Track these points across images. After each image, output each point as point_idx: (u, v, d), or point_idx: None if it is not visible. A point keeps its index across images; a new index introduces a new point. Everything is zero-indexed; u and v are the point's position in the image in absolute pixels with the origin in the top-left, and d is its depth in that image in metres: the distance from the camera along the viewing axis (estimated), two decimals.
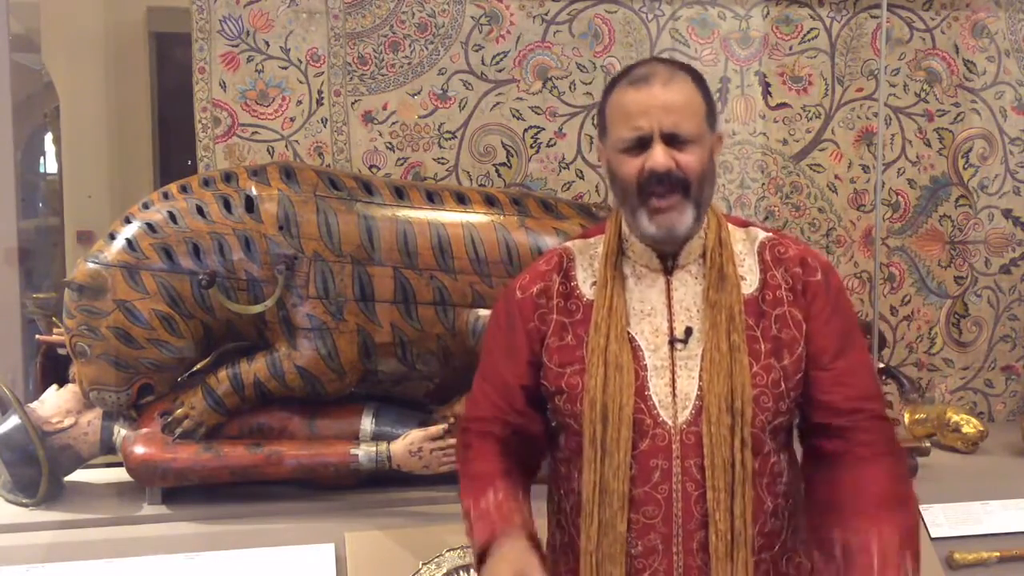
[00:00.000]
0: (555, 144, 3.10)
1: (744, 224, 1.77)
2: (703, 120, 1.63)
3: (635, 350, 1.64)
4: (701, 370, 1.62)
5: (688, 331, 1.64)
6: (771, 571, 1.65)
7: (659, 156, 1.59)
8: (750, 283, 1.68)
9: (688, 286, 1.68)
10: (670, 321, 1.66)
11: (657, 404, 1.62)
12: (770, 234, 1.74)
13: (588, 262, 1.73)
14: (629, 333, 1.65)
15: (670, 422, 1.62)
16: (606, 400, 1.61)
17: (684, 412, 1.62)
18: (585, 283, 1.71)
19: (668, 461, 1.61)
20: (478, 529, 1.65)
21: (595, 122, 3.07)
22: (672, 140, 1.60)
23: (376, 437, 2.52)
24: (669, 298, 1.67)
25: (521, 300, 1.73)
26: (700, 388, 1.62)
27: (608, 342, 1.63)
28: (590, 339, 1.65)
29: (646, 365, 1.64)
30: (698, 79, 1.66)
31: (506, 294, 1.79)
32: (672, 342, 1.65)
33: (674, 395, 1.62)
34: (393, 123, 3.00)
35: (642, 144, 1.61)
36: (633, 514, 1.62)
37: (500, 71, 3.05)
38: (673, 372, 1.63)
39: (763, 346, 1.64)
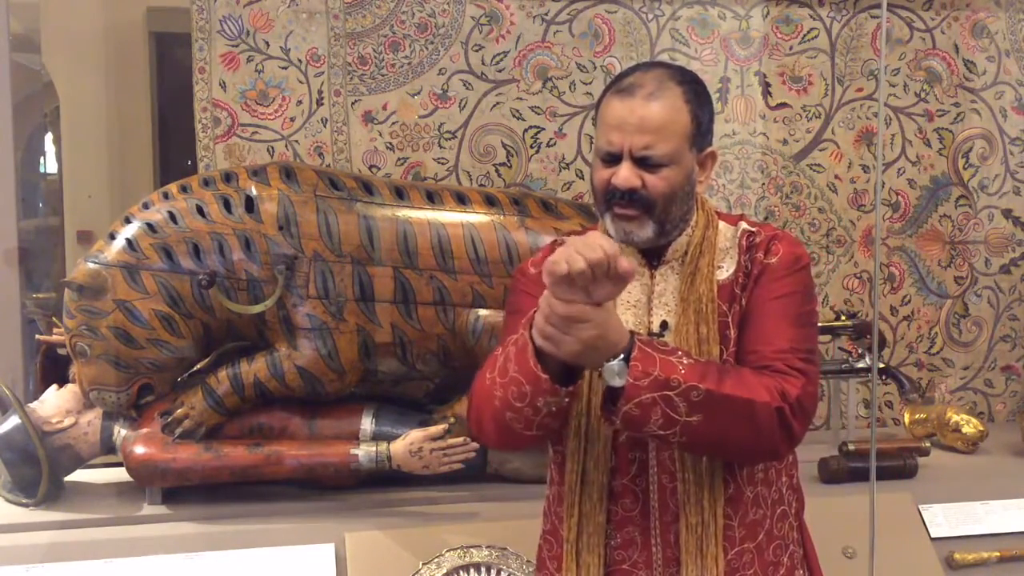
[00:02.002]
0: (555, 144, 3.10)
1: (736, 220, 1.78)
2: (683, 141, 1.63)
3: None
4: None
5: (664, 325, 1.68)
6: (755, 560, 1.66)
7: (623, 175, 1.61)
8: (727, 269, 1.70)
9: (668, 281, 1.70)
10: (649, 315, 1.69)
11: None
12: (750, 225, 1.75)
13: None
14: None
15: None
16: (590, 394, 1.65)
17: None
18: None
19: (645, 454, 1.65)
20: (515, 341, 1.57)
21: (595, 122, 3.08)
22: (643, 161, 1.61)
23: (376, 437, 2.52)
24: (651, 292, 1.70)
25: (535, 275, 1.72)
26: None
27: None
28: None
29: None
30: (692, 93, 1.65)
31: (518, 273, 1.82)
32: (650, 335, 1.67)
33: None
34: (393, 123, 3.00)
35: (613, 158, 1.63)
36: (612, 506, 1.66)
37: (500, 71, 3.05)
38: None
39: (733, 332, 1.66)
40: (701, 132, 1.66)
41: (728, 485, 1.64)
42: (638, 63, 1.82)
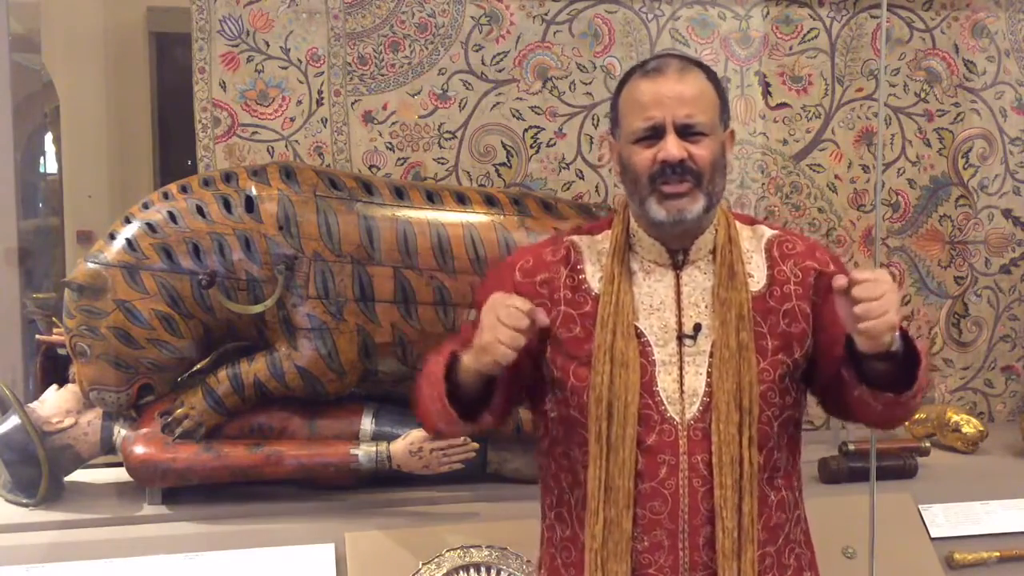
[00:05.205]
0: (555, 144, 3.10)
1: (751, 222, 1.78)
2: (716, 114, 1.66)
3: (643, 345, 1.64)
4: (710, 367, 1.63)
5: (697, 327, 1.65)
6: (775, 564, 1.66)
7: (672, 146, 1.60)
8: (757, 280, 1.69)
9: (697, 282, 1.68)
10: (679, 316, 1.66)
11: (664, 400, 1.63)
12: (776, 231, 1.75)
13: (596, 257, 1.72)
14: (637, 328, 1.65)
15: (677, 418, 1.63)
16: (611, 397, 1.62)
17: (691, 408, 1.63)
18: (593, 277, 1.70)
19: (675, 456, 1.62)
20: (432, 365, 1.66)
21: (595, 122, 3.08)
22: (685, 131, 1.61)
23: (376, 437, 2.52)
24: (678, 293, 1.67)
25: (520, 283, 1.71)
26: (708, 384, 1.63)
27: (615, 338, 1.63)
28: (596, 335, 1.64)
29: (655, 360, 1.64)
30: (711, 75, 1.68)
31: (500, 273, 1.76)
32: (680, 338, 1.65)
33: (681, 391, 1.63)
34: (393, 123, 3.00)
35: (655, 134, 1.62)
36: (639, 509, 1.62)
37: (500, 71, 3.05)
38: (681, 368, 1.64)
39: (770, 343, 1.65)
40: (725, 109, 1.69)
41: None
42: (654, 55, 1.82)
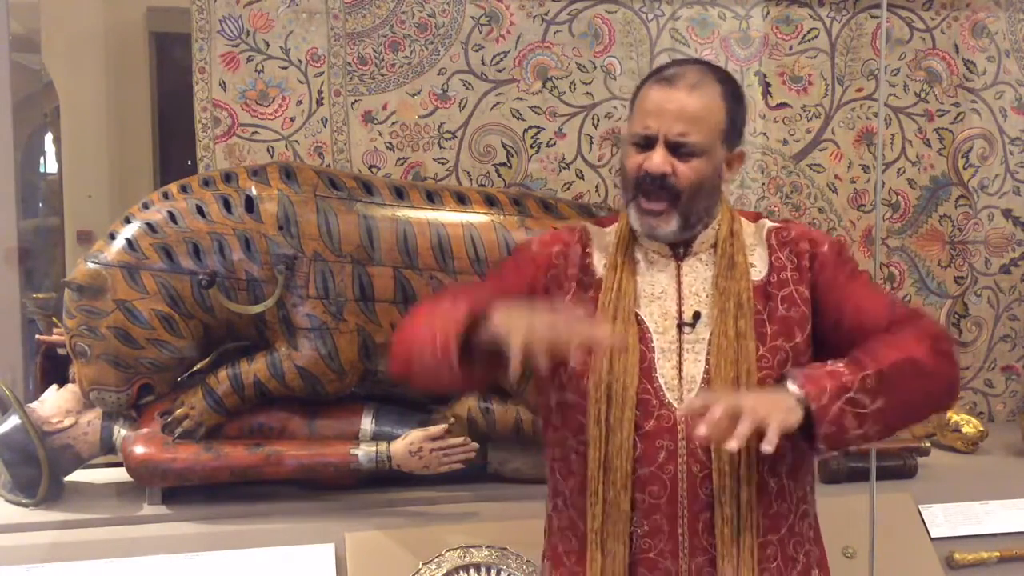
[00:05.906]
0: (555, 144, 3.10)
1: (756, 218, 1.81)
2: (716, 135, 1.66)
3: (643, 332, 1.67)
4: (708, 354, 1.65)
5: (696, 315, 1.68)
6: (779, 554, 1.67)
7: (656, 159, 1.63)
8: (759, 270, 1.72)
9: (698, 272, 1.71)
10: (679, 305, 1.69)
11: (664, 386, 1.65)
12: (776, 223, 1.79)
13: (603, 246, 1.77)
14: (638, 315, 1.68)
15: (676, 404, 1.65)
16: (611, 381, 1.65)
17: (690, 394, 1.65)
18: (599, 264, 1.75)
19: (674, 442, 1.64)
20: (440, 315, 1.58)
21: (595, 122, 3.09)
22: (676, 148, 1.63)
23: (376, 437, 2.52)
24: (679, 283, 1.70)
25: (537, 253, 1.77)
26: (706, 371, 1.65)
27: (615, 324, 1.66)
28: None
29: (654, 347, 1.67)
30: (729, 93, 1.68)
31: (519, 248, 1.84)
32: (680, 326, 1.67)
33: (680, 377, 1.66)
34: (393, 123, 3.00)
35: (648, 143, 1.65)
36: (638, 494, 1.65)
37: (500, 71, 3.05)
38: (680, 355, 1.67)
39: (769, 328, 1.67)
40: (734, 130, 1.70)
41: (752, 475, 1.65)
42: (679, 59, 1.83)
